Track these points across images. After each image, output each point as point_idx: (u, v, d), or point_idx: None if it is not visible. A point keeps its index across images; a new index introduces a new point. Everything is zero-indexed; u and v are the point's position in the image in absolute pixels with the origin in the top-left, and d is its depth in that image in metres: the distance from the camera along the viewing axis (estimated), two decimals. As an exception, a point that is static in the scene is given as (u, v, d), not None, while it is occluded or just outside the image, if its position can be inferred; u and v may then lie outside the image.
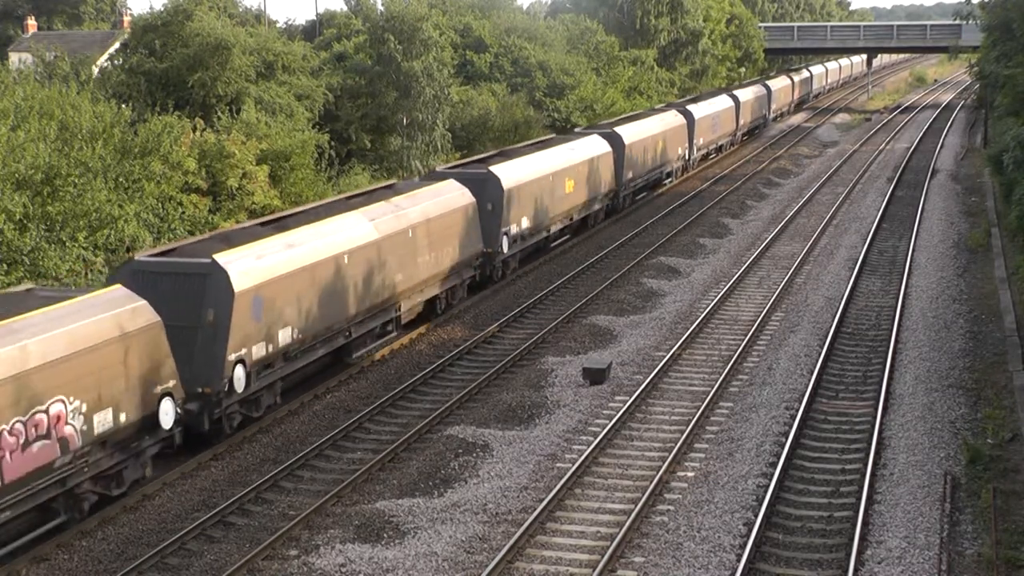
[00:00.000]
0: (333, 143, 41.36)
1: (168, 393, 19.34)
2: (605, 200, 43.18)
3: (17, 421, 16.30)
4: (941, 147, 67.24)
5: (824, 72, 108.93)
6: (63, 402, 17.17)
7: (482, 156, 38.18)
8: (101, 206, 28.36)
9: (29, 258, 26.06)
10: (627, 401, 23.02)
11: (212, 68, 39.00)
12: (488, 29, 62.56)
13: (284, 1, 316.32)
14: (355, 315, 25.23)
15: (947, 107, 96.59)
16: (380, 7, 48.45)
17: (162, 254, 22.16)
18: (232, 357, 21.00)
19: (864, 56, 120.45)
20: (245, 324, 21.34)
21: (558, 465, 20.19)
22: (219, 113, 38.13)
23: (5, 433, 16.11)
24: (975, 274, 34.02)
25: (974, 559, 16.44)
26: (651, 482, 19.01)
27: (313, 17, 63.13)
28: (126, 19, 61.92)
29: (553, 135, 47.65)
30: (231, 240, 23.03)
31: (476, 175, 32.88)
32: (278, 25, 62.71)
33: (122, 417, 18.36)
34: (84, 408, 17.56)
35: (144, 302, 19.15)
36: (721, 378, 24.26)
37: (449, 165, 36.16)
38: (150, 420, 19.02)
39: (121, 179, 30.78)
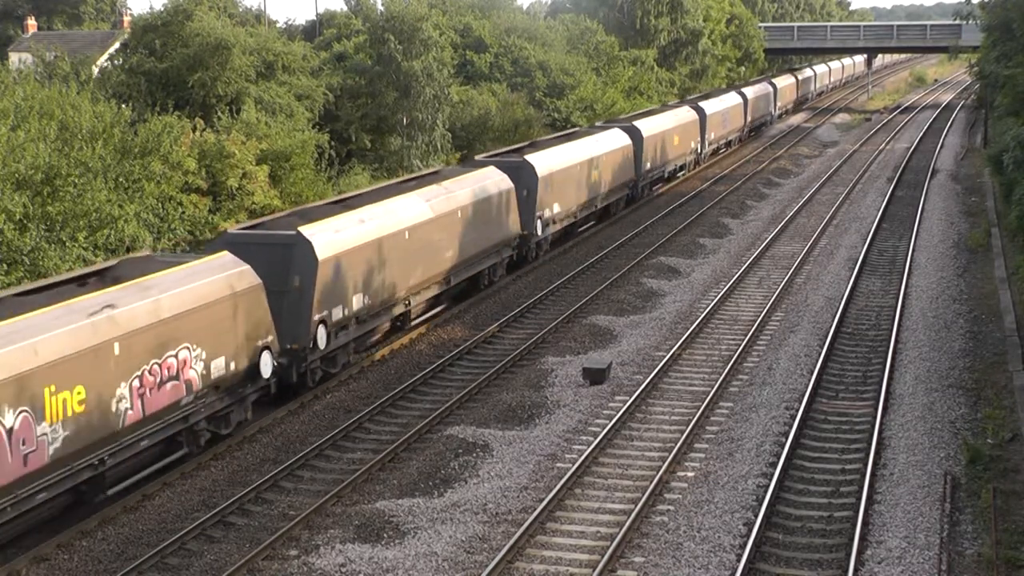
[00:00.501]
0: (333, 143, 41.36)
1: (267, 347, 22.05)
2: (625, 189, 45.87)
3: (155, 363, 19.09)
4: (941, 147, 67.25)
5: (825, 72, 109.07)
6: (188, 349, 19.87)
7: (517, 146, 40.79)
8: (101, 206, 28.36)
9: (29, 258, 26.05)
10: (627, 401, 23.02)
11: (212, 68, 39.00)
12: (488, 29, 62.56)
13: (284, 1, 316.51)
14: (413, 286, 27.88)
15: (947, 107, 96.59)
16: (380, 7, 48.46)
17: (251, 228, 25.01)
18: (316, 318, 23.55)
19: (864, 56, 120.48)
20: (326, 289, 23.93)
21: (558, 465, 20.19)
22: (219, 113, 38.13)
23: (146, 373, 18.85)
24: (975, 274, 34.02)
25: (974, 559, 16.44)
26: (651, 482, 19.01)
27: (313, 17, 63.19)
28: (126, 19, 61.91)
29: (577, 128, 49.78)
30: (309, 216, 25.50)
31: (513, 163, 35.23)
32: (278, 25, 62.72)
33: (232, 365, 21.10)
34: (204, 356, 20.31)
35: (248, 267, 21.81)
36: (721, 378, 24.26)
37: (487, 154, 38.62)
38: (252, 370, 21.73)
39: (121, 179, 30.77)
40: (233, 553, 17.26)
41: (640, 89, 70.53)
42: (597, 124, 50.49)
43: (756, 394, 23.66)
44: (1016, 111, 34.16)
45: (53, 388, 16.92)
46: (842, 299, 30.82)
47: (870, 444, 20.38)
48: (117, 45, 46.65)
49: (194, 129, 35.66)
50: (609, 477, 19.69)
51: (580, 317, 29.97)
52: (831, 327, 27.95)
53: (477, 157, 37.84)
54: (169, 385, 19.39)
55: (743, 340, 27.14)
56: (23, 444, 16.48)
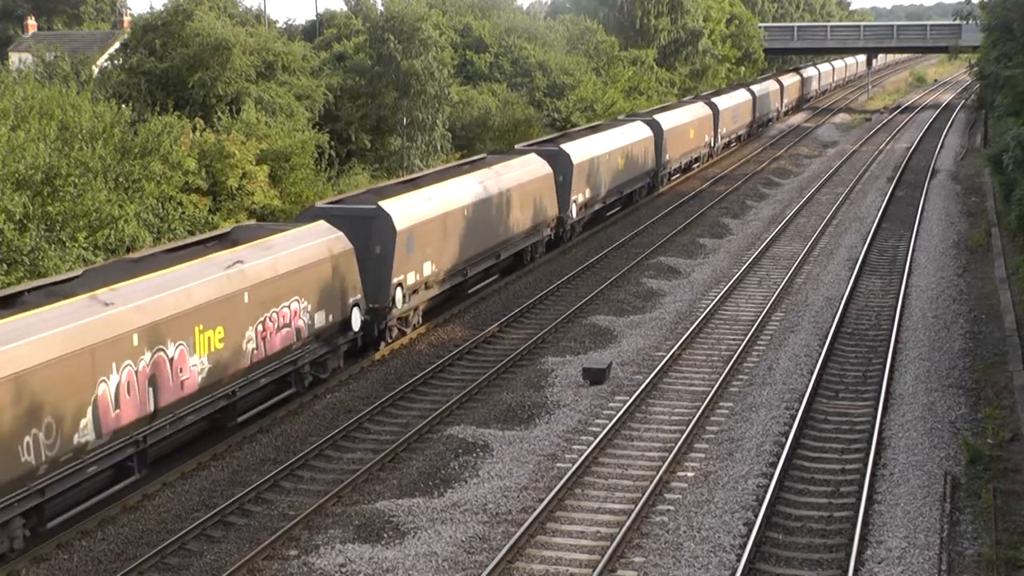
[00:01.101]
0: (333, 143, 41.33)
1: (357, 304, 25.32)
2: (647, 178, 49.03)
3: (273, 312, 22.35)
4: (941, 147, 67.25)
5: (828, 71, 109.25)
6: (298, 302, 23.18)
7: (551, 136, 44.98)
8: (101, 206, 28.34)
9: (29, 258, 26.03)
10: (627, 401, 23.02)
11: (212, 68, 38.97)
12: (488, 29, 62.55)
13: (284, 1, 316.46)
14: (471, 257, 31.17)
15: (947, 107, 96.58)
16: (380, 7, 48.46)
17: (334, 203, 28.10)
18: (394, 281, 26.67)
19: (864, 56, 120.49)
20: (402, 256, 26.97)
21: (558, 465, 20.19)
22: (219, 113, 38.11)
23: (267, 319, 22.16)
24: (975, 274, 34.03)
25: (974, 559, 16.44)
26: (651, 482, 19.01)
27: (313, 17, 63.19)
28: (126, 19, 61.95)
29: (602, 121, 52.07)
30: (384, 193, 28.73)
31: (550, 151, 38.34)
32: (278, 25, 62.73)
33: (329, 318, 24.39)
34: (309, 308, 23.64)
35: (342, 233, 24.93)
36: (721, 378, 24.26)
37: (526, 143, 42.30)
38: (345, 324, 25.01)
39: (121, 179, 30.76)
40: (233, 553, 17.26)
41: (640, 89, 70.53)
42: (620, 117, 54.01)
43: (756, 394, 23.66)
44: (1016, 111, 34.16)
45: (201, 327, 20.24)
46: (842, 299, 30.82)
47: (870, 444, 20.38)
48: (117, 45, 46.62)
49: (194, 129, 35.65)
50: (609, 477, 19.69)
51: (580, 317, 29.97)
52: (831, 327, 27.95)
53: (517, 146, 41.34)
54: (284, 331, 22.85)
55: (743, 340, 27.14)
56: (180, 372, 19.78)
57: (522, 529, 17.18)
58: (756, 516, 17.62)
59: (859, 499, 18.10)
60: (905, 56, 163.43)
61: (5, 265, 25.57)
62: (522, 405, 23.13)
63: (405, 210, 27.45)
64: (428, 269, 28.43)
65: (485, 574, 15.97)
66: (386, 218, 26.56)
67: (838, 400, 23.50)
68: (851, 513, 17.86)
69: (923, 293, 31.78)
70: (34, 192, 27.06)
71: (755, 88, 73.78)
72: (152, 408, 19.14)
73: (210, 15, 41.51)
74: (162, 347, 19.31)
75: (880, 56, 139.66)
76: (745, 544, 16.73)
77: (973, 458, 19.66)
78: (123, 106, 33.69)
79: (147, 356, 18.98)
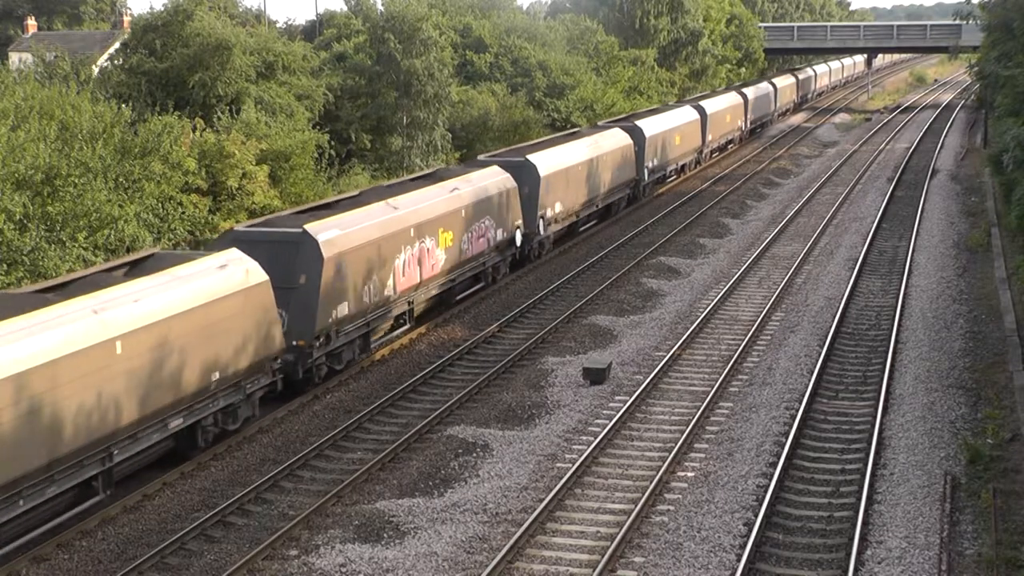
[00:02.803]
0: (333, 143, 41.35)
1: (518, 227, 34.30)
2: (694, 154, 56.83)
3: (476, 225, 31.22)
4: (941, 147, 67.25)
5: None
6: (488, 220, 31.99)
7: (626, 115, 54.53)
8: (101, 206, 28.35)
9: (29, 258, 26.04)
10: (627, 401, 23.02)
11: (212, 68, 38.98)
12: (488, 29, 62.55)
13: (284, 1, 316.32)
14: (585, 202, 40.17)
15: (947, 107, 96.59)
16: (380, 7, 48.45)
17: (493, 156, 37.45)
18: (539, 213, 35.57)
19: (864, 56, 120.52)
20: (544, 193, 35.94)
21: (558, 465, 20.19)
22: (219, 113, 38.11)
23: (473, 230, 30.94)
24: (975, 274, 34.02)
25: (974, 559, 16.44)
26: (651, 482, 19.01)
27: (313, 17, 63.15)
28: (126, 19, 61.95)
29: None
30: (522, 151, 37.95)
31: (629, 126, 47.26)
32: (278, 25, 62.70)
33: (504, 234, 33.18)
34: (494, 226, 32.44)
35: (509, 175, 34.15)
36: (721, 378, 24.26)
37: (605, 121, 52.20)
38: (511, 241, 33.91)
39: (121, 179, 30.77)
40: (233, 553, 17.26)
41: (640, 89, 70.52)
42: (669, 103, 62.17)
43: (756, 394, 23.66)
44: (1016, 111, 34.13)
45: (441, 230, 29.28)
46: (842, 299, 30.82)
47: (870, 444, 20.38)
48: (117, 45, 46.58)
49: (194, 129, 35.65)
50: (609, 477, 19.69)
51: (580, 317, 29.97)
52: (831, 327, 27.95)
53: (599, 123, 51.05)
54: (480, 240, 31.64)
55: (743, 340, 27.14)
56: (431, 257, 28.69)
57: (522, 529, 17.18)
58: (756, 516, 17.62)
59: (859, 499, 18.09)
60: (905, 56, 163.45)
61: (5, 265, 25.57)
62: (522, 405, 23.13)
63: (546, 160, 36.99)
64: (559, 207, 37.82)
65: (485, 574, 15.97)
66: (532, 167, 35.78)
67: (838, 400, 23.49)
68: (851, 513, 17.85)
69: (923, 293, 31.78)
70: (34, 192, 27.07)
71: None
72: (418, 280, 28.23)
73: (210, 15, 41.49)
74: (423, 240, 28.24)
75: (880, 56, 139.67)
76: (745, 544, 16.73)
77: (973, 458, 19.66)
78: (123, 106, 33.69)
79: (416, 245, 27.96)
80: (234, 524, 18.43)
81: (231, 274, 21.34)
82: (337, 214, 25.85)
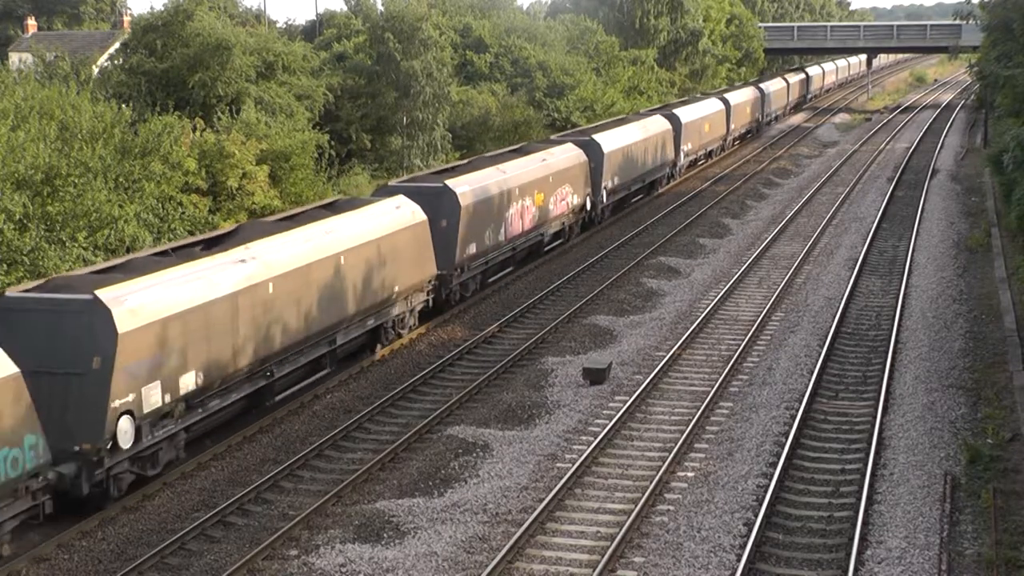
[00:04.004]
0: (333, 143, 41.34)
1: (588, 195, 40.00)
2: (720, 140, 62.65)
3: (559, 190, 37.20)
4: (941, 147, 67.26)
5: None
6: (568, 187, 38.03)
7: (663, 105, 61.42)
8: (101, 206, 28.33)
9: (29, 258, 26.04)
10: (627, 401, 23.02)
11: (212, 68, 38.96)
12: (488, 29, 62.56)
13: (284, 1, 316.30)
14: (636, 177, 46.40)
15: (947, 107, 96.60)
16: (380, 7, 48.46)
17: (569, 134, 45.22)
18: (603, 184, 41.82)
19: (864, 56, 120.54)
20: (609, 169, 42.47)
21: (558, 465, 20.19)
22: (219, 113, 38.10)
23: (557, 194, 36.95)
24: (975, 274, 34.02)
25: (974, 559, 16.44)
26: (651, 482, 19.01)
27: (313, 17, 63.16)
28: (126, 19, 61.93)
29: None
30: (588, 132, 44.38)
31: (670, 115, 52.51)
32: (278, 25, 62.71)
33: (577, 200, 39.23)
34: (571, 192, 38.37)
35: (581, 151, 40.17)
36: (721, 378, 24.26)
37: (650, 108, 59.09)
38: (582, 206, 39.82)
39: (121, 179, 30.75)
40: (233, 553, 17.26)
41: (640, 89, 70.53)
42: (697, 95, 68.10)
43: (756, 394, 23.67)
44: (1016, 111, 34.14)
45: (536, 191, 35.37)
46: (842, 299, 30.82)
47: (870, 444, 20.38)
48: (117, 45, 46.59)
49: (194, 129, 35.64)
50: (609, 477, 19.69)
51: (580, 317, 29.97)
52: (831, 327, 27.95)
53: (641, 111, 56.89)
54: (561, 203, 37.58)
55: (743, 340, 27.14)
56: (528, 213, 34.86)
57: (522, 529, 17.18)
58: (756, 516, 17.62)
59: (859, 499, 18.09)
60: (905, 56, 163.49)
61: (5, 265, 25.57)
62: (522, 405, 23.13)
63: (608, 139, 42.71)
64: (613, 183, 43.24)
65: (485, 574, 15.97)
66: (599, 146, 41.41)
67: (838, 400, 23.49)
68: (851, 513, 17.86)
69: (923, 293, 31.78)
70: (34, 192, 27.06)
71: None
72: (520, 230, 34.29)
73: (210, 15, 41.49)
74: (524, 199, 34.36)
75: (880, 56, 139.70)
76: (745, 544, 16.74)
77: (973, 458, 19.66)
78: (123, 106, 33.68)
79: (520, 202, 34.01)
80: (234, 524, 18.42)
81: (404, 213, 27.60)
82: (465, 174, 32.01)
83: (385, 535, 17.48)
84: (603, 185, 41.74)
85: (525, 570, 16.41)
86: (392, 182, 31.71)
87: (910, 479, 19.09)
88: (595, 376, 24.53)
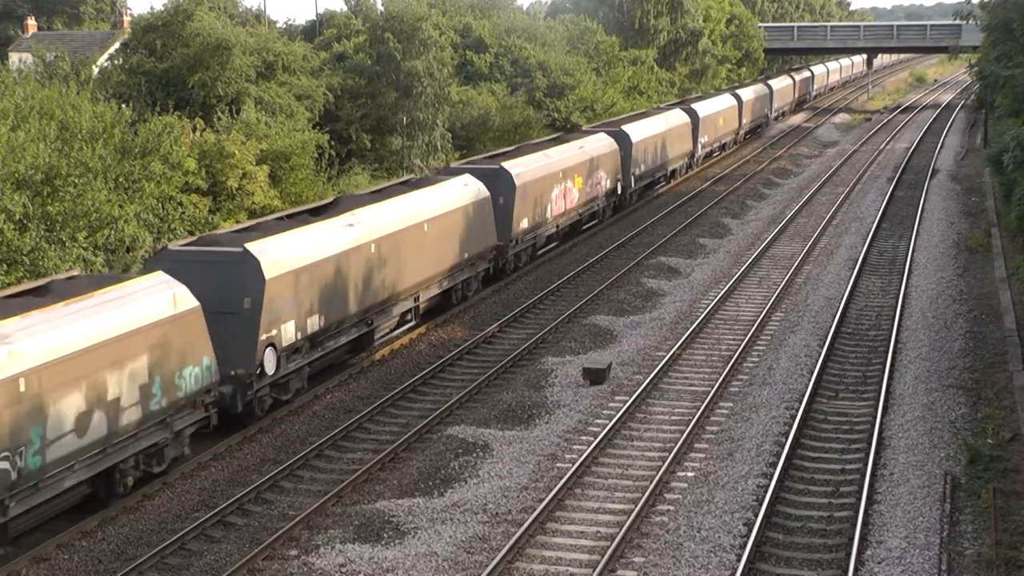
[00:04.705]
0: (333, 143, 41.35)
1: (619, 179, 43.94)
2: (732, 134, 66.17)
3: (594, 175, 40.86)
4: (941, 147, 67.26)
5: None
6: (602, 172, 41.74)
7: (683, 99, 65.46)
8: (101, 206, 28.34)
9: (29, 258, 26.04)
10: (627, 401, 23.02)
11: (212, 68, 38.97)
12: (488, 29, 62.55)
13: (284, 1, 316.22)
14: (659, 165, 50.27)
15: (947, 107, 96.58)
16: (380, 7, 48.45)
17: (597, 126, 48.28)
18: (632, 171, 45.71)
19: (864, 56, 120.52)
20: (637, 158, 46.49)
21: (558, 465, 20.19)
22: (219, 113, 38.11)
23: (592, 178, 40.46)
24: (975, 274, 34.02)
25: (974, 559, 16.44)
26: (651, 482, 19.01)
27: (313, 17, 63.14)
28: (126, 19, 61.89)
29: (681, 98, 66.21)
30: (619, 123, 47.84)
31: (688, 109, 56.77)
32: (278, 25, 62.69)
33: (611, 184, 43.14)
34: (605, 178, 42.35)
35: (612, 140, 44.15)
36: (721, 378, 24.26)
37: (672, 101, 64.61)
38: (613, 191, 43.67)
39: (121, 179, 30.76)
40: (233, 553, 17.26)
41: (640, 89, 70.52)
42: (710, 92, 73.32)
43: (756, 394, 23.66)
44: (1016, 111, 34.13)
45: (576, 175, 39.01)
46: (842, 299, 30.82)
47: (870, 444, 20.38)
48: (117, 45, 46.58)
49: (194, 129, 35.64)
50: (609, 477, 19.69)
51: (580, 317, 29.97)
52: (831, 327, 27.95)
53: (662, 104, 62.84)
54: (598, 186, 41.61)
55: (743, 340, 27.14)
56: (571, 194, 38.59)
57: (522, 529, 17.18)
58: (756, 516, 17.62)
59: (859, 499, 18.09)
60: (905, 56, 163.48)
61: (5, 265, 25.57)
62: (522, 405, 23.13)
63: (637, 129, 46.87)
64: (645, 166, 47.64)
65: (485, 574, 15.97)
66: (627, 136, 45.10)
67: (838, 400, 23.50)
68: (851, 513, 17.86)
69: (923, 293, 31.78)
70: (34, 192, 27.06)
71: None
72: (563, 209, 37.91)
73: (210, 15, 41.50)
74: (566, 181, 37.89)
75: (880, 56, 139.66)
76: (745, 544, 16.74)
77: (973, 458, 19.66)
78: (123, 106, 33.71)
79: (563, 184, 37.61)
80: (234, 524, 18.43)
81: (471, 190, 31.52)
82: (517, 157, 35.94)
83: (385, 535, 17.48)
84: (632, 171, 45.28)
85: (525, 570, 16.41)
86: (453, 164, 36.43)
87: (910, 479, 19.09)
88: (595, 376, 24.53)
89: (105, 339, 18.02)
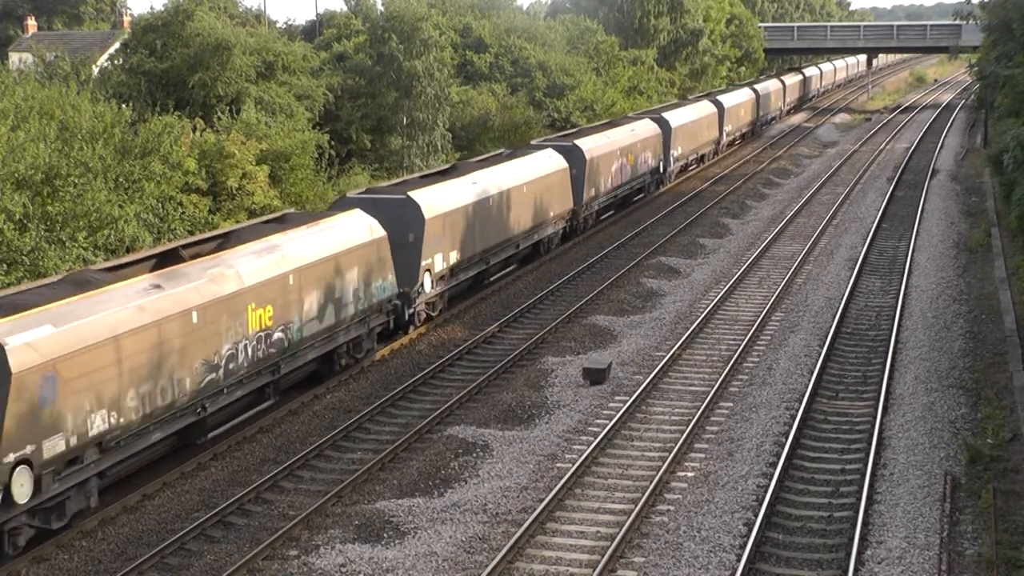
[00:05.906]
0: (333, 143, 41.35)
1: (660, 159, 49.46)
2: (750, 125, 72.10)
3: (639, 155, 46.26)
4: (941, 147, 67.26)
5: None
6: (648, 152, 47.60)
7: (708, 92, 70.95)
8: (101, 206, 28.33)
9: (29, 258, 26.03)
10: (627, 401, 23.02)
11: (212, 68, 38.97)
12: (488, 29, 62.56)
13: (284, 1, 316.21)
14: (692, 149, 55.85)
15: (947, 107, 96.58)
16: (380, 7, 48.45)
17: (642, 114, 53.25)
18: (672, 153, 51.68)
19: (864, 56, 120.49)
20: (674, 141, 52.33)
21: (558, 465, 20.19)
22: (219, 113, 38.10)
23: (638, 155, 46.17)
24: (975, 274, 34.02)
25: (974, 559, 16.44)
26: (651, 482, 19.01)
27: (313, 17, 63.16)
28: (126, 19, 61.95)
29: (703, 93, 71.51)
30: (659, 111, 53.25)
31: (715, 101, 62.30)
32: (278, 25, 62.70)
33: (654, 163, 48.93)
34: (650, 157, 47.88)
35: (656, 125, 50.18)
36: (721, 378, 24.26)
37: (699, 94, 70.39)
38: (657, 168, 49.36)
39: (121, 179, 30.75)
40: (233, 553, 17.26)
41: (640, 89, 70.52)
42: (728, 87, 76.25)
43: (756, 394, 23.66)
44: (1016, 111, 34.11)
45: (629, 154, 44.68)
46: (842, 299, 30.82)
47: (870, 444, 20.38)
48: (117, 45, 46.61)
49: (194, 129, 35.63)
50: (609, 477, 19.69)
51: (580, 317, 29.97)
52: (831, 327, 27.95)
53: (689, 97, 67.95)
54: (644, 164, 47.13)
55: (743, 340, 27.15)
56: (624, 169, 44.31)
57: (522, 529, 17.18)
58: (756, 516, 17.62)
59: (859, 499, 18.10)
60: (905, 56, 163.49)
61: (5, 265, 25.56)
62: (522, 405, 23.13)
63: (676, 116, 53.06)
64: (684, 151, 53.84)
65: (485, 574, 15.97)
66: (668, 122, 51.10)
67: (838, 400, 23.50)
68: (851, 513, 17.86)
69: (923, 293, 31.78)
70: (34, 192, 27.06)
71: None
72: (620, 182, 44.00)
73: (210, 15, 41.50)
74: (622, 158, 43.86)
75: (880, 56, 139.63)
76: (745, 544, 16.74)
77: (973, 458, 19.66)
78: (123, 106, 33.68)
79: (619, 160, 43.38)
80: (234, 524, 18.43)
81: (554, 161, 37.82)
82: (585, 136, 42.35)
83: (385, 535, 17.48)
84: (671, 153, 51.69)
85: (525, 570, 16.42)
86: (533, 141, 42.32)
87: (910, 479, 19.09)
88: (595, 376, 24.53)
89: (334, 252, 24.13)
